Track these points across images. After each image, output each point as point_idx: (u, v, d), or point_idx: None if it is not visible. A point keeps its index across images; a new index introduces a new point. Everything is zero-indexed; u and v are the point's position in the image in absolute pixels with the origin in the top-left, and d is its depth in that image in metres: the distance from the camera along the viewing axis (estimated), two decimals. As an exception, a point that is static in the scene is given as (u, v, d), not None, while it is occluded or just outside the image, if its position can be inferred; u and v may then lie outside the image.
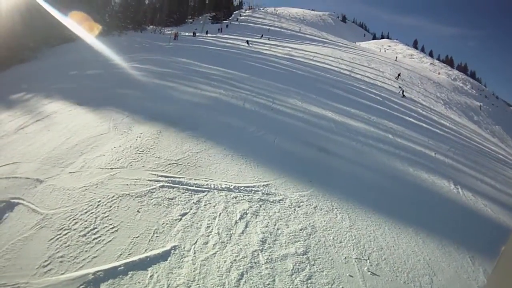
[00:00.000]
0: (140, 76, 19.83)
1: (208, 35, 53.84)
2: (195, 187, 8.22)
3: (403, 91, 30.83)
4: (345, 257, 6.62)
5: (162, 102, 14.70)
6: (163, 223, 6.83)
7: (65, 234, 6.41)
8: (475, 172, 14.25)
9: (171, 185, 8.18)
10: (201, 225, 6.88)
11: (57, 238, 6.31)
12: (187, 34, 52.48)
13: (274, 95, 17.91)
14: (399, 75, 42.07)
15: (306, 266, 6.17)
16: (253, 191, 8.31)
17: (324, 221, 7.64)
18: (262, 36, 57.39)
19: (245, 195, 8.09)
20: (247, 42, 42.35)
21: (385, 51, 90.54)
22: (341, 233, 7.31)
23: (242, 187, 8.43)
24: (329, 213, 8.01)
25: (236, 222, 7.11)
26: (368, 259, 6.77)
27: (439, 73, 79.09)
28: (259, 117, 13.96)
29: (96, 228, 6.59)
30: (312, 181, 9.28)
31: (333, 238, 7.09)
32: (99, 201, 7.44)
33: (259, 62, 29.24)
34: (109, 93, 16.07)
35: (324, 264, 6.31)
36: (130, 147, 10.13)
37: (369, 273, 6.40)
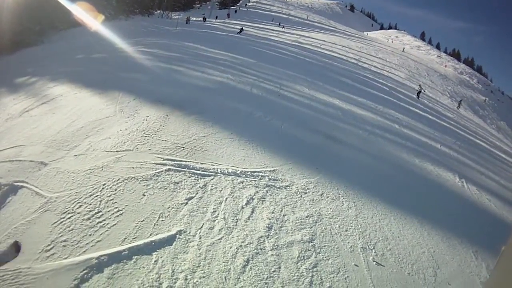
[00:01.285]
0: (146, 60, 19.69)
1: (217, 20, 53.71)
2: (202, 171, 8.17)
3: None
4: (351, 246, 6.61)
5: (168, 86, 14.61)
6: (169, 207, 6.77)
7: (69, 218, 6.34)
8: (479, 167, 14.28)
9: (177, 168, 8.13)
10: (207, 209, 6.84)
11: (61, 222, 6.25)
12: (194, 19, 52.27)
13: (282, 81, 17.85)
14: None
15: (312, 254, 6.14)
16: (260, 177, 8.28)
17: (331, 208, 7.63)
18: (279, 24, 56.79)
19: (252, 180, 8.06)
20: (241, 30, 41.47)
21: (392, 41, 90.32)
22: (347, 222, 7.30)
23: (249, 172, 8.40)
24: (336, 200, 7.99)
25: (242, 208, 7.07)
26: (374, 248, 6.76)
27: (445, 66, 78.85)
28: (266, 103, 13.90)
29: (100, 211, 6.52)
30: (318, 168, 9.26)
31: (339, 226, 7.07)
32: (104, 184, 7.37)
33: (267, 48, 29.20)
34: (115, 76, 15.99)
35: (330, 253, 6.29)
36: (136, 130, 10.04)
37: (374, 263, 6.38)
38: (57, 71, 18.50)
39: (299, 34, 39.87)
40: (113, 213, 6.49)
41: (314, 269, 5.79)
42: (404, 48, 72.25)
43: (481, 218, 9.76)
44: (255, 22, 49.26)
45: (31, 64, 22.61)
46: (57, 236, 5.92)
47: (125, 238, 5.87)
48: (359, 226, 7.26)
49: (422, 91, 30.37)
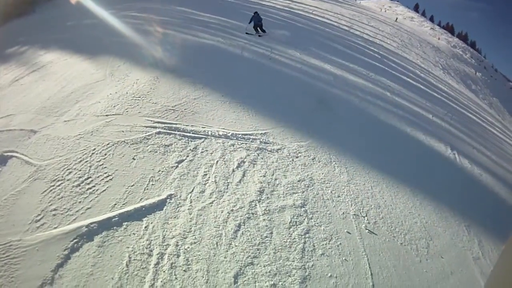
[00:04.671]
0: (137, 25, 19.62)
1: None
2: (192, 133, 8.21)
3: None
4: (343, 213, 6.66)
5: (159, 49, 14.59)
6: (159, 170, 6.82)
7: (58, 186, 6.34)
8: (471, 140, 14.22)
9: (168, 131, 8.15)
10: (197, 173, 6.89)
11: (50, 190, 6.23)
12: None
13: (272, 45, 17.81)
14: None
15: (304, 219, 6.18)
16: (251, 139, 8.33)
17: (322, 173, 7.67)
18: None
19: (243, 143, 8.12)
20: None
21: (385, 11, 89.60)
22: (339, 187, 7.35)
23: (240, 135, 8.44)
24: (327, 165, 8.04)
25: (233, 171, 7.13)
26: (366, 216, 6.82)
27: (439, 38, 78.40)
28: (258, 66, 13.92)
29: (90, 177, 6.54)
30: (310, 132, 9.30)
31: (331, 192, 7.12)
32: (94, 149, 7.40)
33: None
34: (105, 41, 15.83)
35: (322, 219, 6.34)
36: (127, 93, 10.03)
37: (367, 231, 6.43)
38: (47, 38, 18.36)
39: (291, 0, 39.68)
40: (103, 179, 6.51)
41: (307, 235, 5.83)
42: (397, 18, 71.74)
43: (473, 192, 9.75)
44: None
45: (22, 34, 22.39)
46: (47, 205, 5.91)
47: (115, 204, 5.89)
48: (351, 193, 7.31)
49: None
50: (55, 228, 5.44)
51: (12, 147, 7.92)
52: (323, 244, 5.72)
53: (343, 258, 5.63)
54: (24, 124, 8.90)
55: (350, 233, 6.17)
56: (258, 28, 20.82)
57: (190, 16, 22.49)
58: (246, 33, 19.76)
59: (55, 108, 9.48)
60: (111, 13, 22.85)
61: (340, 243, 5.86)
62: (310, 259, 5.33)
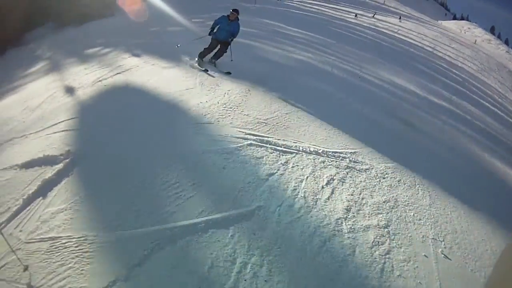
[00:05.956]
0: None
1: None
2: (283, 147, 8.29)
3: None
4: (423, 236, 6.64)
5: (250, 62, 14.87)
6: (249, 182, 6.91)
7: (144, 188, 6.54)
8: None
9: (259, 144, 8.26)
10: (287, 187, 6.94)
11: (134, 191, 6.46)
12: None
13: (361, 63, 17.91)
14: None
15: (386, 240, 6.21)
16: (341, 157, 8.37)
17: (407, 196, 7.67)
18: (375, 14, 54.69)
19: (333, 161, 8.15)
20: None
21: (465, 32, 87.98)
22: (421, 210, 7.32)
23: (330, 152, 8.49)
24: (412, 188, 8.02)
25: (322, 187, 7.17)
26: (443, 241, 6.76)
27: (515, 62, 76.59)
28: (347, 84, 14.13)
29: (178, 182, 6.67)
30: (396, 153, 9.29)
31: (413, 215, 7.11)
32: (184, 155, 7.56)
33: (345, 29, 29.09)
34: (193, 50, 15.65)
35: (403, 240, 6.35)
36: (218, 103, 10.19)
37: (443, 255, 6.39)
38: (130, 42, 18.71)
39: (376, 18, 39.40)
40: (191, 185, 6.63)
41: (387, 256, 5.86)
42: (476, 40, 70.47)
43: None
44: (332, 3, 48.69)
45: (101, 36, 22.84)
46: (129, 205, 6.10)
47: (202, 211, 6.00)
48: (432, 216, 7.28)
49: None
50: (136, 228, 5.60)
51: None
52: (401, 266, 5.73)
53: (418, 281, 5.61)
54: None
55: (427, 257, 6.16)
56: (218, 48, 14.25)
57: (276, 29, 22.74)
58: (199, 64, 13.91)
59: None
60: (196, 22, 23.15)
61: (417, 266, 5.86)
62: (387, 279, 5.37)
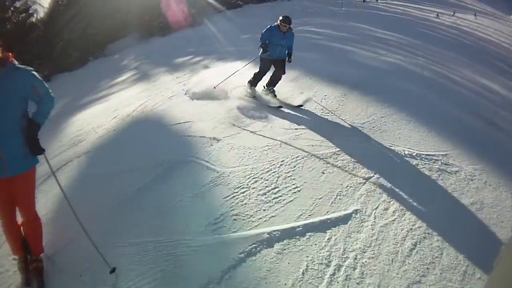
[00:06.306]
0: (318, 40, 20.29)
1: (378, 0, 52.66)
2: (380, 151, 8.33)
3: None
4: (503, 238, 6.37)
5: (343, 66, 14.88)
6: (347, 185, 6.97)
7: (242, 193, 6.71)
8: None
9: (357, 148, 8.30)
10: (383, 190, 6.97)
11: (233, 196, 6.60)
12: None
13: (447, 64, 17.58)
14: None
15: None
16: (433, 160, 8.28)
17: (491, 197, 7.45)
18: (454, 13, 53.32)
19: (426, 164, 8.10)
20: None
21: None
22: (503, 213, 7.08)
23: (423, 155, 8.43)
24: (496, 190, 7.77)
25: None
26: (523, 244, 6.58)
27: None
28: (438, 85, 13.81)
29: (277, 187, 6.83)
30: (482, 154, 9.03)
31: (496, 217, 6.90)
32: (283, 160, 7.72)
33: (430, 29, 28.73)
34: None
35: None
36: (315, 108, 10.44)
37: (521, 258, 6.24)
38: (222, 51, 19.15)
39: (457, 16, 38.69)
40: (290, 190, 6.77)
41: (470, 259, 5.71)
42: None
43: None
44: (414, 3, 48.09)
45: (191, 45, 23.68)
46: (228, 209, 6.28)
47: (300, 215, 6.10)
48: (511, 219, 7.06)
49: None
50: (234, 232, 5.76)
51: (191, 152, 8.44)
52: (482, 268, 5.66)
53: None
54: (205, 131, 9.42)
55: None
56: (275, 70, 11.45)
57: (366, 32, 22.76)
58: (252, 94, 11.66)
59: (239, 118, 10.03)
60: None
61: None
62: (469, 282, 5.27)
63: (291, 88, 12.31)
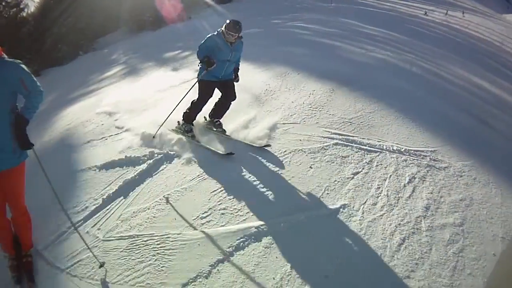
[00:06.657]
0: (306, 35, 20.16)
1: None
2: (368, 147, 8.35)
3: None
4: (493, 235, 6.48)
5: (331, 61, 14.79)
6: (335, 180, 7.00)
7: (230, 187, 6.73)
8: None
9: (345, 143, 8.35)
10: (371, 185, 7.01)
11: (221, 191, 6.64)
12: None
13: (437, 60, 17.38)
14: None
15: (460, 238, 6.14)
16: (422, 156, 8.31)
17: (481, 194, 7.49)
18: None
19: (414, 159, 8.12)
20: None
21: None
22: (493, 209, 7.13)
23: (412, 151, 8.45)
24: (486, 186, 7.82)
25: (404, 186, 7.17)
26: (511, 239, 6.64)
27: None
28: (426, 82, 13.72)
29: (264, 182, 6.88)
30: (472, 151, 9.08)
31: (486, 213, 6.95)
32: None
33: (419, 26, 28.20)
34: (276, 51, 16.30)
35: (476, 239, 6.25)
36: (303, 103, 10.36)
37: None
38: None
39: (447, 14, 38.82)
40: (278, 184, 6.85)
41: (460, 254, 5.79)
42: (541, 34, 68.17)
43: None
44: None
45: (180, 39, 23.59)
46: (215, 204, 6.32)
47: (288, 209, 6.13)
48: (503, 215, 7.06)
49: None
50: (222, 226, 5.80)
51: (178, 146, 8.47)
52: (471, 264, 5.67)
53: (485, 280, 5.52)
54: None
55: (495, 255, 6.00)
56: (221, 95, 8.73)
57: (355, 28, 22.56)
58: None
59: (233, 112, 9.64)
60: (276, 23, 23.52)
61: (486, 265, 5.73)
62: (458, 277, 5.33)
63: (275, 82, 12.18)
